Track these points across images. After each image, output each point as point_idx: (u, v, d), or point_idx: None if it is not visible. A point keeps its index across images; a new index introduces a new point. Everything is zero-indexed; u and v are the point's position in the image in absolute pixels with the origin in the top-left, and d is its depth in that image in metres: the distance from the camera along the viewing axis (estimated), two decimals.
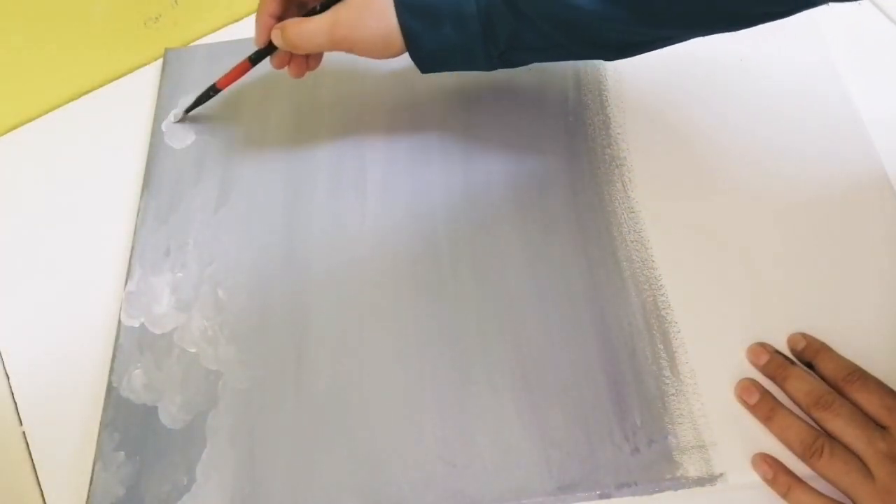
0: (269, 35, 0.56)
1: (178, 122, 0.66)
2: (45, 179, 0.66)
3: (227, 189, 0.61)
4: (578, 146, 0.60)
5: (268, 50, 0.58)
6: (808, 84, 0.62)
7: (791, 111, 0.60)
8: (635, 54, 0.54)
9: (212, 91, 0.63)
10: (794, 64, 0.63)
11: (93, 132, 0.68)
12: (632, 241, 0.55)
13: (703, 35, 0.51)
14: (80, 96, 0.71)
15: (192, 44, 0.73)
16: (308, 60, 0.59)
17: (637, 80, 0.61)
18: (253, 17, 0.73)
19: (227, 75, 0.62)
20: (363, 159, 0.62)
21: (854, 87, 0.61)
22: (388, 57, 0.55)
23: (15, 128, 0.69)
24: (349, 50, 0.54)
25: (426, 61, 0.55)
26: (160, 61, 0.72)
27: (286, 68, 0.59)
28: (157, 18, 0.71)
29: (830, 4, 0.47)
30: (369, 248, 0.57)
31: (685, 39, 0.52)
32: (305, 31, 0.54)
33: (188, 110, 0.66)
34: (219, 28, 0.74)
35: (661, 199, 0.57)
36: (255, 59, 0.60)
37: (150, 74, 0.71)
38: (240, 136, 0.64)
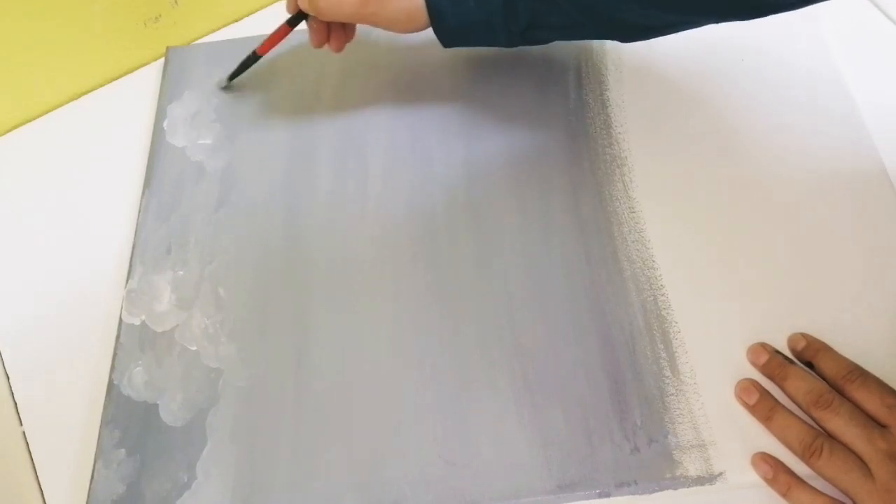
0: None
1: (224, 88, 0.68)
2: (45, 179, 0.66)
3: (228, 187, 0.62)
4: (579, 146, 0.60)
5: (303, 14, 0.59)
6: (808, 83, 0.62)
7: (792, 111, 0.61)
8: (651, 37, 0.56)
9: (253, 56, 0.65)
10: (794, 64, 0.63)
11: (93, 132, 0.68)
12: (632, 241, 0.55)
13: (718, 21, 0.53)
14: (80, 96, 0.71)
15: (192, 43, 0.73)
16: (346, 31, 0.61)
17: (638, 80, 0.61)
18: (253, 17, 0.75)
19: (266, 41, 0.63)
20: (364, 161, 0.62)
21: (854, 86, 0.61)
22: (408, 31, 0.57)
23: (15, 128, 0.69)
24: (372, 24, 0.57)
25: (448, 35, 0.58)
26: (161, 61, 0.72)
27: (326, 46, 0.60)
28: (157, 18, 0.71)
29: None
30: (370, 248, 0.57)
31: (700, 25, 0.54)
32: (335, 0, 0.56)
33: (232, 77, 0.67)
34: (219, 28, 0.74)
35: (662, 198, 0.57)
36: (292, 22, 0.61)
37: (150, 74, 0.71)
38: (240, 135, 0.64)
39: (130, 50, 0.71)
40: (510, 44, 0.58)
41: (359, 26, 0.61)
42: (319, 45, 0.60)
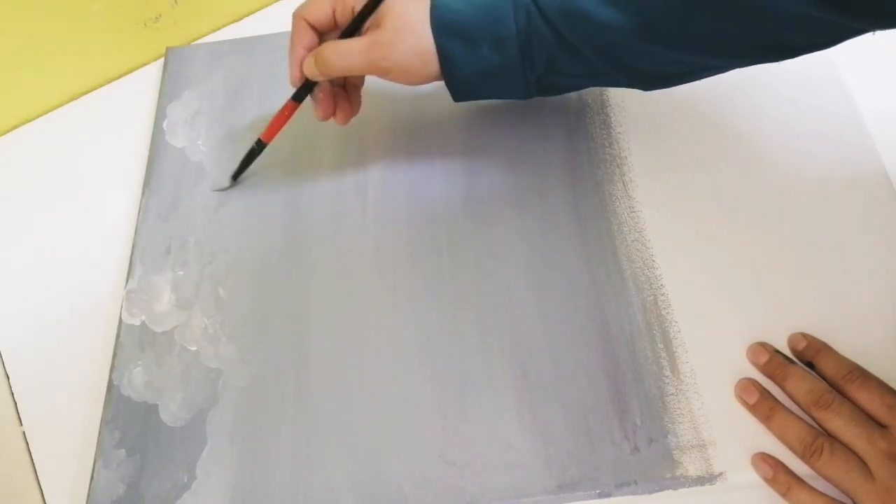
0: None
1: (227, 188, 0.62)
2: (45, 179, 0.66)
3: (228, 188, 0.62)
4: (579, 145, 0.60)
5: (308, 86, 0.55)
6: (809, 84, 0.62)
7: (792, 111, 0.61)
8: (672, 85, 0.54)
9: (257, 147, 0.60)
10: (794, 65, 0.63)
11: (93, 132, 0.68)
12: (632, 241, 0.55)
13: (746, 65, 0.52)
14: (80, 96, 0.71)
15: (192, 43, 0.73)
16: (351, 103, 0.57)
17: None
18: (253, 17, 0.75)
19: (270, 126, 0.58)
20: (364, 157, 0.62)
21: (855, 87, 0.61)
22: (423, 81, 0.54)
23: (15, 128, 0.69)
24: (385, 72, 0.53)
25: (461, 86, 0.54)
26: (161, 61, 0.72)
27: (332, 119, 0.57)
28: (157, 18, 0.71)
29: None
30: (370, 248, 0.57)
31: (724, 70, 0.53)
32: (341, 49, 0.52)
33: (235, 175, 0.61)
34: (219, 28, 0.74)
35: (662, 198, 0.57)
36: (299, 96, 0.56)
37: (150, 74, 0.71)
38: (241, 134, 0.64)
39: (130, 50, 0.71)
40: (526, 93, 0.55)
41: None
42: (326, 116, 0.56)
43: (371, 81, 0.57)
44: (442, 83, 0.54)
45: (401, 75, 0.53)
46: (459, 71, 0.53)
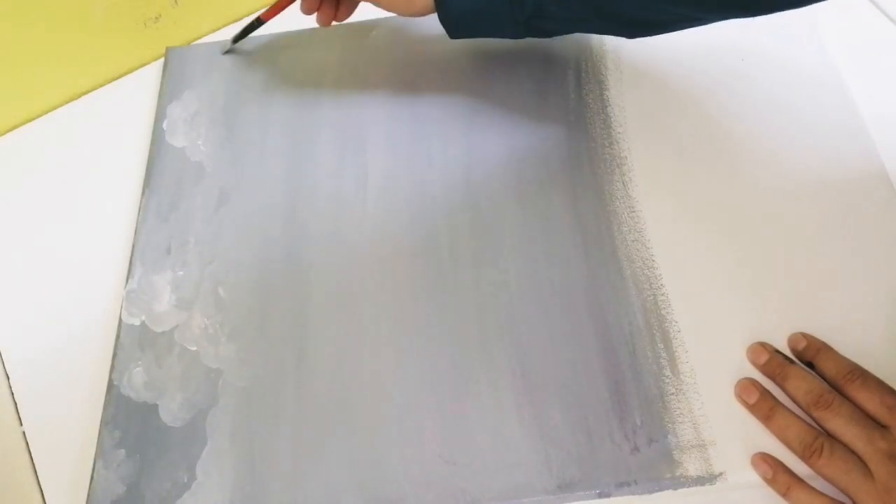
0: None
1: (227, 52, 0.70)
2: (45, 179, 0.66)
3: (228, 188, 0.62)
4: (579, 146, 0.60)
5: None
6: (808, 84, 0.62)
7: (792, 111, 0.61)
8: (654, 33, 0.56)
9: (256, 23, 0.67)
10: (794, 64, 0.63)
11: (93, 132, 0.68)
12: (632, 241, 0.55)
13: (722, 18, 0.52)
14: (80, 96, 0.71)
15: (192, 43, 0.73)
16: (338, 11, 0.62)
17: (638, 80, 0.61)
18: (253, 17, 0.75)
19: (270, 8, 0.65)
20: (364, 161, 0.62)
21: (854, 86, 0.61)
22: (411, 14, 0.57)
23: (15, 128, 0.69)
24: (376, 1, 0.57)
25: (454, 24, 0.57)
26: (161, 61, 0.72)
27: (315, 15, 0.62)
28: (157, 18, 0.71)
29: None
30: (370, 248, 0.57)
31: (705, 22, 0.53)
32: None
33: (235, 40, 0.70)
34: (219, 28, 0.74)
35: (662, 198, 0.57)
36: None
37: (150, 74, 0.71)
38: (240, 135, 0.64)
39: (130, 50, 0.71)
40: (516, 34, 0.57)
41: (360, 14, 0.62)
42: (309, 11, 0.62)
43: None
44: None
45: (394, 6, 0.57)
46: (449, 8, 0.56)
